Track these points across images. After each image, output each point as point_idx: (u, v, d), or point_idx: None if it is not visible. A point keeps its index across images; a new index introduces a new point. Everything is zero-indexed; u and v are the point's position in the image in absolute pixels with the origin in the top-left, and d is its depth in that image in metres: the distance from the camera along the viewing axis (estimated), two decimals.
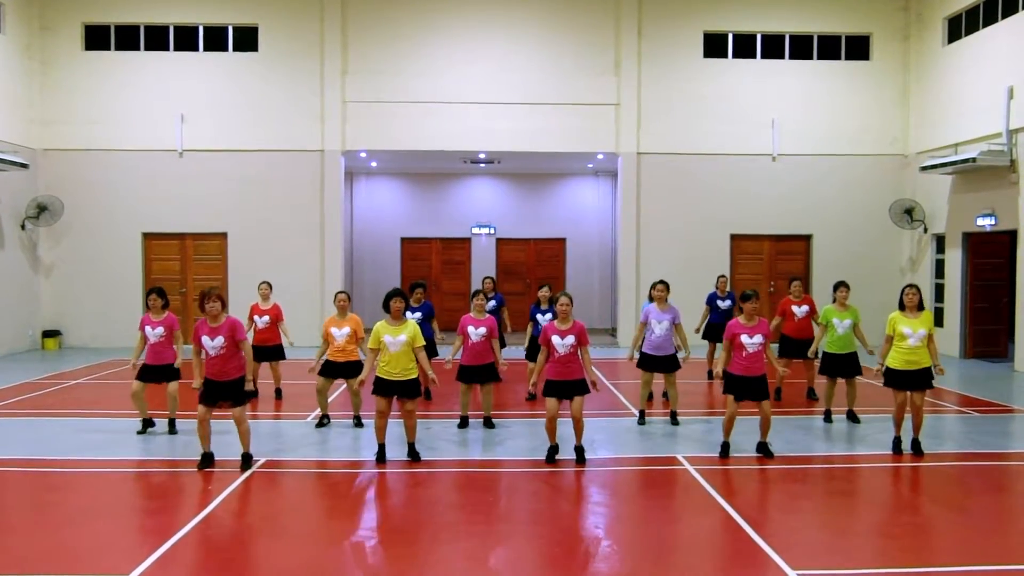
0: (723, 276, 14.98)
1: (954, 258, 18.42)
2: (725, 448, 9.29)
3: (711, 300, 14.63)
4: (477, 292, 11.06)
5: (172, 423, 10.42)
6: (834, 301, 11.11)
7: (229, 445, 9.14)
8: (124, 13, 19.67)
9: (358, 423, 10.77)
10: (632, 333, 19.98)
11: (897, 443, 9.45)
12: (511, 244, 23.96)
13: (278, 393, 12.77)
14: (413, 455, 9.01)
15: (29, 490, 8.22)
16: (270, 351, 12.55)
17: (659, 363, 10.98)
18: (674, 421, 11.02)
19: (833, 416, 11.23)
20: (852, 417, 11.19)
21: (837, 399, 11.49)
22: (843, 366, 11.03)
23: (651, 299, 11.22)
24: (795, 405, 12.34)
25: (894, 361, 9.30)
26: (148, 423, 10.44)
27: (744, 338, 9.01)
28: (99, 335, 19.50)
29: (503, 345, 12.70)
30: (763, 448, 9.25)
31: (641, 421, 11.09)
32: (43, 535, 6.77)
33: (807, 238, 20.57)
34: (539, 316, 12.10)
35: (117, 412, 11.76)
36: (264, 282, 12.98)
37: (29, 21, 19.24)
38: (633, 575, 6.06)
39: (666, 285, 11.02)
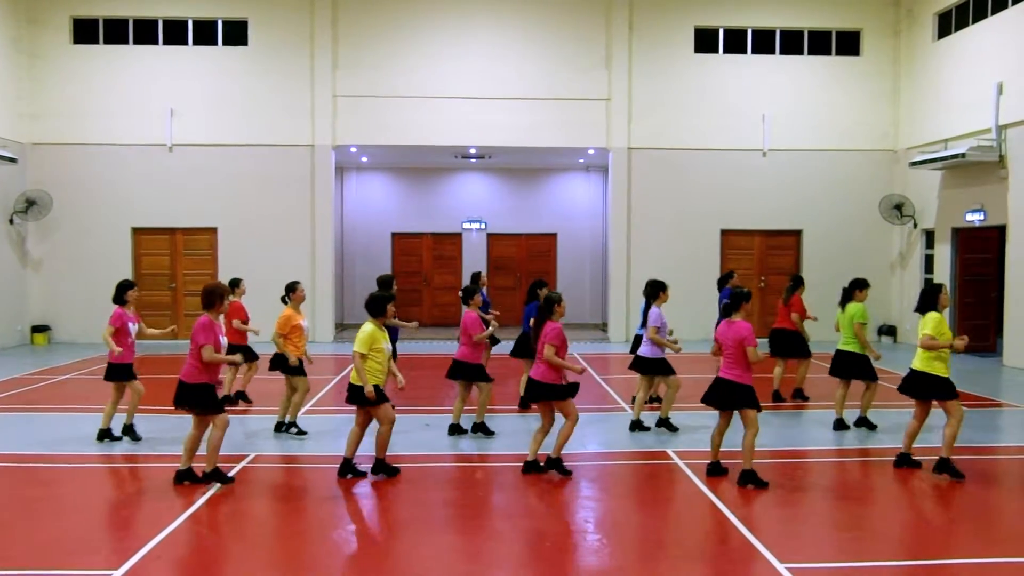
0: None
1: (943, 253, 18.48)
2: (760, 481, 8.01)
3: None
4: (476, 290, 10.51)
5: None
6: (854, 299, 10.41)
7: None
8: (112, 7, 19.56)
9: (300, 431, 10.07)
10: (624, 328, 20.06)
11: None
12: (502, 239, 23.94)
13: (244, 395, 12.11)
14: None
15: (17, 485, 8.19)
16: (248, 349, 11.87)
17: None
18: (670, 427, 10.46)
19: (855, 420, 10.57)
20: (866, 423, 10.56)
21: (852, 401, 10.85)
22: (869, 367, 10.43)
23: (649, 300, 10.57)
24: (784, 400, 12.36)
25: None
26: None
27: None
28: (88, 330, 19.34)
29: (496, 342, 12.42)
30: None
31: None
32: (31, 531, 6.74)
33: (797, 233, 20.61)
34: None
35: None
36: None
37: (16, 14, 19.11)
38: (622, 570, 6.07)
39: None
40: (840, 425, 10.48)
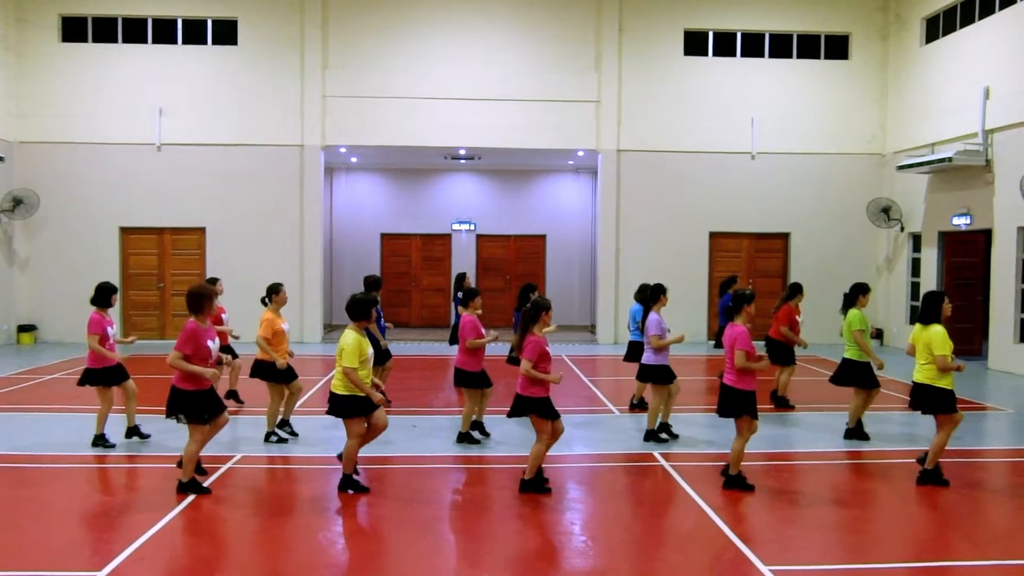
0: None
1: (930, 257, 18.58)
2: (746, 485, 7.99)
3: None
4: (477, 292, 10.03)
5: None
6: (856, 305, 10.06)
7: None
8: (101, 5, 19.46)
9: (292, 432, 10.04)
10: (612, 330, 20.06)
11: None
12: (491, 240, 23.93)
13: (236, 395, 12.02)
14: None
15: (1, 486, 8.13)
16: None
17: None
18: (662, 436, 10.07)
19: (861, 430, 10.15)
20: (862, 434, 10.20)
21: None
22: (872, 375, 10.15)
23: (641, 303, 10.33)
24: (766, 402, 12.35)
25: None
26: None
27: None
28: (75, 330, 19.21)
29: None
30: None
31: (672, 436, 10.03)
32: (15, 531, 6.71)
33: (785, 236, 20.69)
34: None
35: (93, 408, 11.64)
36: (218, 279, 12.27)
37: (5, 12, 19.00)
38: (607, 572, 6.08)
39: None
40: (853, 434, 10.06)
